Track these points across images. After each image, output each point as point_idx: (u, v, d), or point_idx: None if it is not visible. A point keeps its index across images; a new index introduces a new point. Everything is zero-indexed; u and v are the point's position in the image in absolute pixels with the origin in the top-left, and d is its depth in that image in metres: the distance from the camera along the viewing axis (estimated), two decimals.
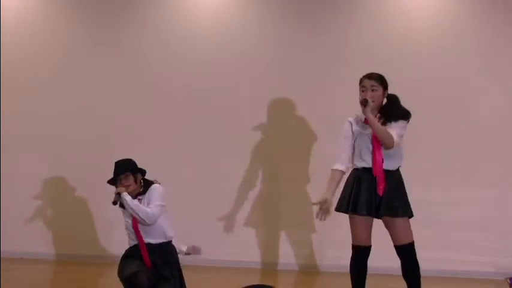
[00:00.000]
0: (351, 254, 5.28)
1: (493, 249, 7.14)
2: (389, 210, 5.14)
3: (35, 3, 7.75)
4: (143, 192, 5.34)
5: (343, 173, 5.28)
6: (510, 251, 7.14)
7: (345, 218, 5.28)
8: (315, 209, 5.25)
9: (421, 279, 5.25)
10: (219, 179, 7.37)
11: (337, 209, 5.30)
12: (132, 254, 5.31)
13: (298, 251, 7.37)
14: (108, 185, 5.33)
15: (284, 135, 7.45)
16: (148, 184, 5.38)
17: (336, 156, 5.30)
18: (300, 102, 7.38)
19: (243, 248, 7.34)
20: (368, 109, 5.11)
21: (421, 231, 5.32)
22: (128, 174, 5.29)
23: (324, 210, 5.19)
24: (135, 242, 5.30)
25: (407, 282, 5.25)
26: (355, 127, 5.30)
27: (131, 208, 5.21)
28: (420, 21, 7.41)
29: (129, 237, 5.35)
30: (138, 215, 5.21)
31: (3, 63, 7.57)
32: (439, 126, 7.18)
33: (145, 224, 5.24)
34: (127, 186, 5.28)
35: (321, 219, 5.21)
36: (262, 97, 7.41)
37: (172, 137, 7.43)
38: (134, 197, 5.29)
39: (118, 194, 5.24)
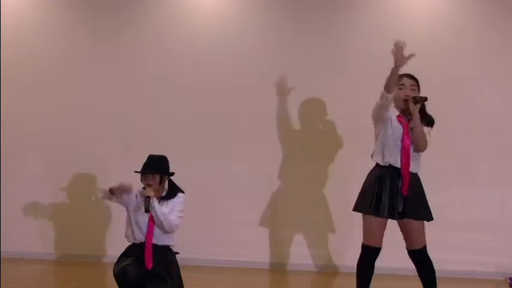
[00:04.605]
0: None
1: (493, 249, 7.15)
2: (414, 213, 5.05)
3: (35, 3, 7.75)
4: (166, 197, 5.28)
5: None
6: (510, 251, 7.15)
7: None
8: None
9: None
10: (220, 179, 7.38)
11: (357, 209, 5.15)
12: (129, 253, 5.26)
13: (302, 252, 7.36)
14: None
15: (284, 135, 7.44)
16: (174, 190, 5.31)
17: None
18: (300, 102, 7.38)
19: (244, 248, 7.34)
20: (418, 106, 5.03)
21: None
22: (156, 176, 5.23)
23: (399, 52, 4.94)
24: (136, 240, 5.27)
25: (424, 284, 5.17)
26: (393, 116, 5.12)
27: (158, 214, 5.14)
28: (420, 21, 7.41)
29: (131, 234, 5.27)
30: (162, 222, 5.16)
31: (3, 63, 7.57)
32: (439, 126, 7.12)
33: (163, 231, 5.20)
34: (149, 186, 5.20)
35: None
36: (262, 97, 7.41)
37: (172, 136, 7.42)
38: (157, 199, 5.23)
39: (148, 198, 5.14)
